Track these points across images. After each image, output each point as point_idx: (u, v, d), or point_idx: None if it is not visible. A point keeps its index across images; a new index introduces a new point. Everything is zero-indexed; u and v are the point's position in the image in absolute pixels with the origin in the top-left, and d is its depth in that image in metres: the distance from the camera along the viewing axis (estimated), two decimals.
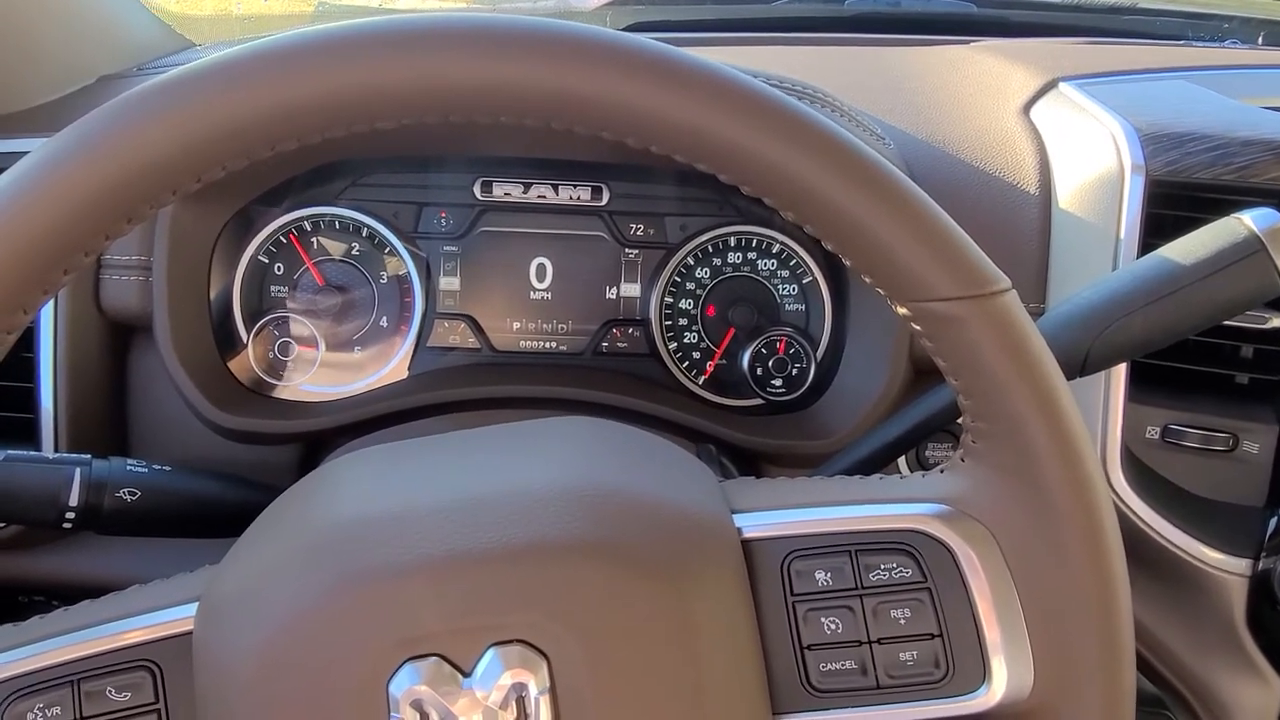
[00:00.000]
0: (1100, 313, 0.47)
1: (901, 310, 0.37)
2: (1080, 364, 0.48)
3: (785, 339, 0.73)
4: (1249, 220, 0.46)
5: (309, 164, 0.70)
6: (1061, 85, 0.68)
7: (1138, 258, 0.58)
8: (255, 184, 0.69)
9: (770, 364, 0.73)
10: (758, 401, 0.74)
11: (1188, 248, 0.47)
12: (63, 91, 0.76)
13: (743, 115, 0.34)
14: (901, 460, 0.70)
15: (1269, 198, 0.58)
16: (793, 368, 0.73)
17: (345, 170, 0.72)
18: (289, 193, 0.71)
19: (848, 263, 0.37)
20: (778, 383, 0.73)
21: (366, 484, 0.39)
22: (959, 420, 0.40)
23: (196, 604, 0.38)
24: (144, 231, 0.65)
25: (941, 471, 0.40)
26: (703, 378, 0.75)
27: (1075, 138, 0.64)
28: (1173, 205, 0.59)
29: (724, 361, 0.74)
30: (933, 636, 0.38)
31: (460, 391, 0.70)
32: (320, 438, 0.70)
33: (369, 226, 0.73)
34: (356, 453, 0.42)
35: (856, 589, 0.38)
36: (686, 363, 0.75)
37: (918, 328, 0.37)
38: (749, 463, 0.70)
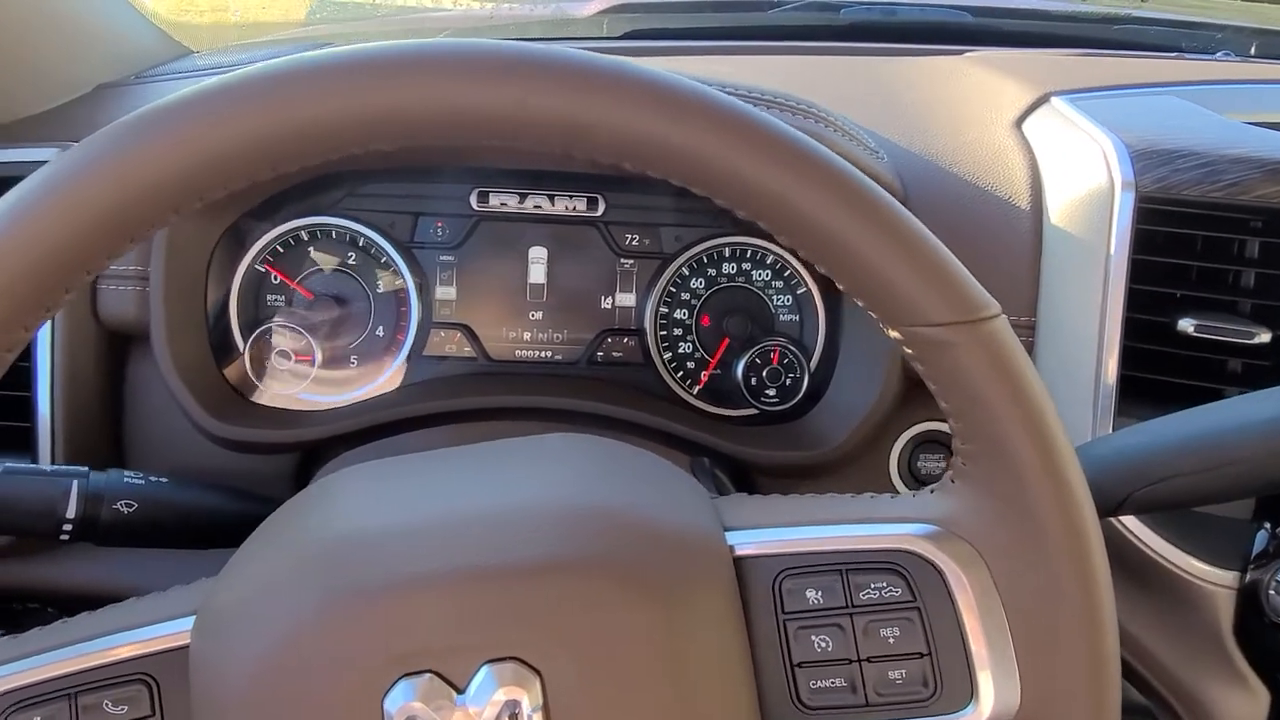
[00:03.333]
0: (1148, 467, 0.45)
1: (893, 334, 0.37)
2: (1116, 508, 0.47)
3: (779, 349, 0.73)
4: None
5: (307, 175, 0.70)
6: (1053, 99, 0.69)
7: (1128, 274, 0.59)
8: (252, 195, 0.70)
9: (764, 374, 0.74)
10: (752, 411, 0.74)
11: (1249, 420, 0.44)
12: (60, 100, 0.76)
13: (736, 141, 0.34)
14: (894, 471, 0.71)
15: (1256, 214, 0.59)
16: (786, 378, 0.74)
17: (342, 180, 0.72)
18: (286, 203, 0.72)
19: (840, 286, 0.37)
20: (772, 393, 0.74)
21: (362, 499, 0.40)
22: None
23: (193, 617, 0.39)
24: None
25: (931, 492, 0.41)
26: (697, 387, 0.75)
27: (1067, 153, 0.64)
28: (1162, 221, 0.59)
29: (718, 371, 0.75)
30: (921, 655, 0.38)
31: (455, 402, 0.70)
32: (316, 447, 0.70)
33: (365, 236, 0.73)
34: (353, 468, 0.43)
35: (847, 608, 0.39)
36: (681, 372, 0.75)
37: (909, 351, 0.37)
38: (742, 474, 0.71)
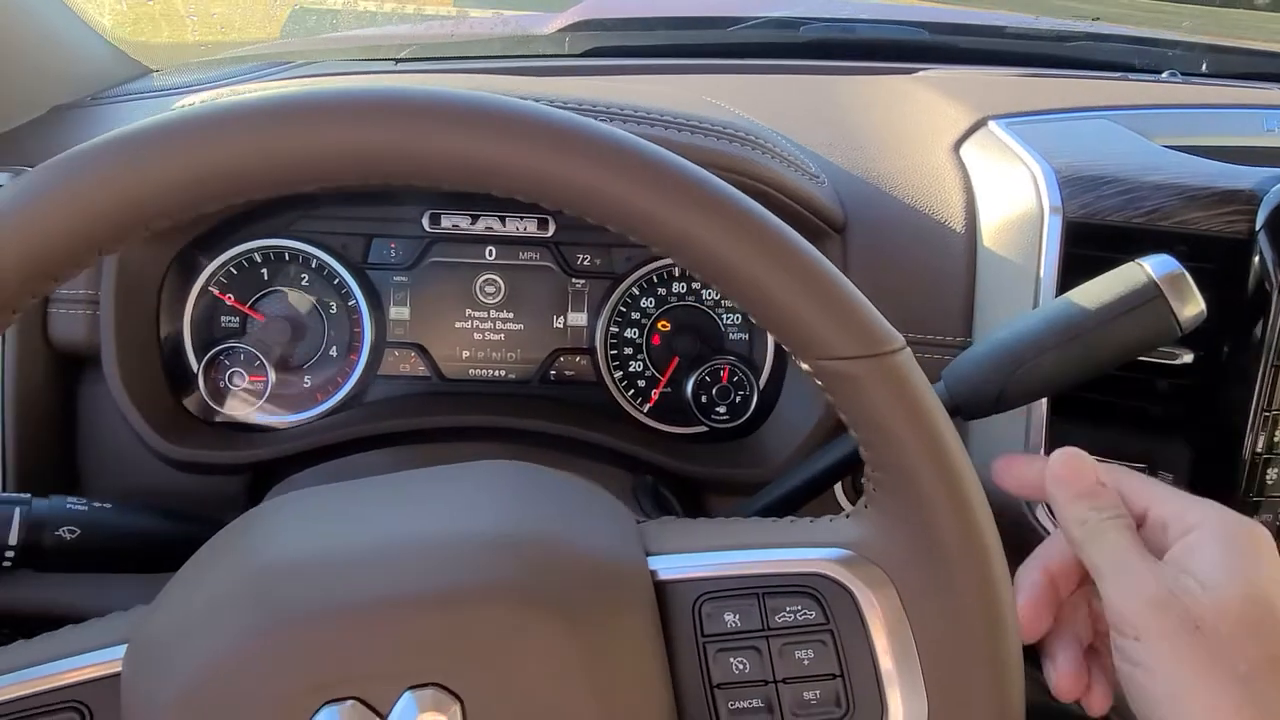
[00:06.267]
0: (1012, 354, 0.50)
1: (804, 367, 0.38)
2: (994, 401, 0.50)
3: (728, 367, 0.75)
4: (1149, 267, 0.48)
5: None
6: (991, 124, 0.71)
7: (1057, 295, 0.61)
8: (205, 217, 0.70)
9: (714, 391, 0.75)
10: (702, 429, 0.76)
11: (1093, 292, 0.50)
12: (13, 123, 0.76)
13: (641, 183, 0.35)
14: (839, 488, 0.72)
15: (1178, 240, 0.60)
16: (736, 395, 0.75)
17: (296, 202, 0.73)
18: (240, 226, 0.72)
19: (753, 320, 0.39)
20: (721, 410, 0.75)
21: (290, 528, 0.41)
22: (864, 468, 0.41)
23: (125, 645, 0.39)
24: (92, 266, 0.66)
25: (847, 517, 0.42)
26: (648, 405, 0.76)
27: (1000, 177, 0.66)
28: (1088, 245, 0.61)
29: (668, 389, 0.76)
30: (834, 676, 0.39)
31: (408, 421, 0.71)
32: (269, 467, 0.71)
33: (318, 258, 0.74)
34: (286, 495, 0.44)
35: (763, 630, 0.40)
36: (632, 390, 0.76)
37: (819, 382, 0.39)
38: (690, 491, 0.72)
